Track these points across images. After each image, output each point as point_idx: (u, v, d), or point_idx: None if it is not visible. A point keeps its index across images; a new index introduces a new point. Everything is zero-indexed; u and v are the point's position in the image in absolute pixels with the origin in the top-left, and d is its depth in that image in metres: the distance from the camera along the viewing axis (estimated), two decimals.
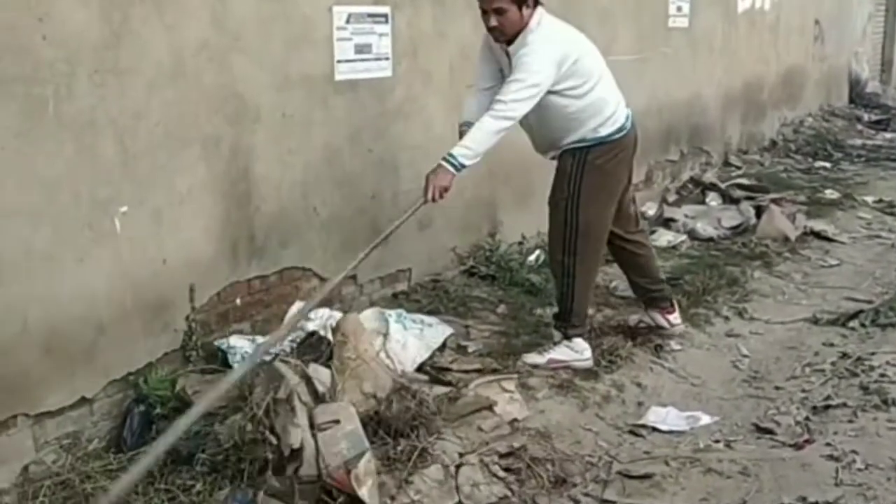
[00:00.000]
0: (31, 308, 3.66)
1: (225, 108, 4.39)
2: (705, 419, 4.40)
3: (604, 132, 4.61)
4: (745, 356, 5.17)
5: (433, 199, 4.30)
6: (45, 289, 3.71)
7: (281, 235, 4.78)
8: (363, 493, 3.30)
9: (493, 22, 4.36)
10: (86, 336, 3.89)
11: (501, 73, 4.56)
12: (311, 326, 4.47)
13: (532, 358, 4.81)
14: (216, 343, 4.47)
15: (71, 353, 3.84)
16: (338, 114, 5.03)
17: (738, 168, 10.04)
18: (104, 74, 3.83)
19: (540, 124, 4.60)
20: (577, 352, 4.82)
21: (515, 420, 4.10)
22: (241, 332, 4.59)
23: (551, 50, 4.34)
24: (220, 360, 4.39)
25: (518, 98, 4.29)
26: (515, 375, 4.42)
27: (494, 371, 4.53)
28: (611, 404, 4.52)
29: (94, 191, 3.85)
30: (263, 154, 4.61)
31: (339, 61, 4.98)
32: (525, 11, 4.33)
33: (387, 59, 5.30)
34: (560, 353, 4.81)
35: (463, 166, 4.29)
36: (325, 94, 4.94)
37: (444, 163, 4.28)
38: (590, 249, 4.73)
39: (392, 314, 4.76)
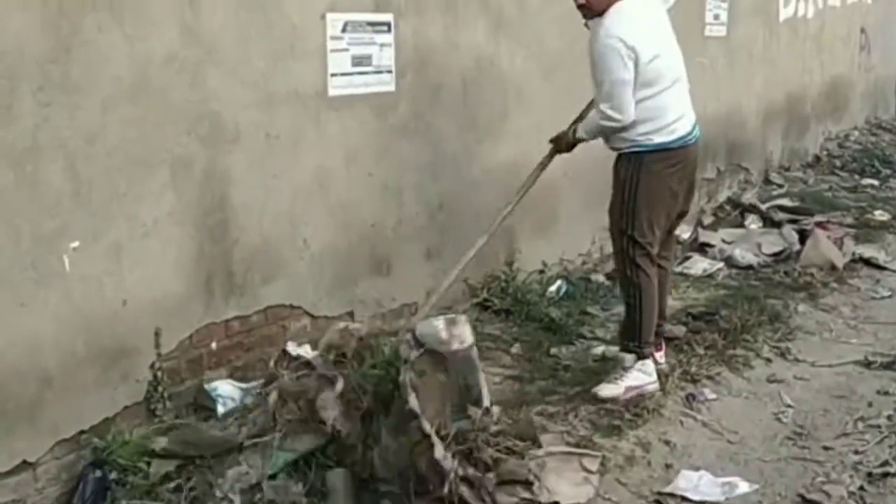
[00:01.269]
0: None
1: (197, 128, 3.89)
2: (743, 487, 3.82)
3: (658, 140, 4.42)
4: (789, 406, 4.58)
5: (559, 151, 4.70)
6: None
7: (264, 270, 4.27)
8: None
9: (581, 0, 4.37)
10: (27, 390, 3.41)
11: None
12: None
13: (608, 390, 4.48)
14: (204, 387, 3.98)
15: (8, 410, 3.35)
16: (332, 133, 4.52)
17: (780, 186, 9.41)
18: (50, 91, 3.36)
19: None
20: (648, 374, 4.55)
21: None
22: (218, 377, 4.08)
23: (619, 46, 4.24)
24: (190, 415, 3.90)
25: (612, 104, 4.33)
26: (600, 455, 3.85)
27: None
28: (635, 467, 3.96)
29: (37, 225, 3.37)
30: (243, 179, 4.11)
31: (333, 75, 4.47)
32: None
33: (389, 72, 4.78)
34: (634, 378, 4.52)
35: (581, 140, 4.62)
36: (316, 112, 4.42)
37: (570, 132, 4.62)
38: (648, 260, 4.52)
39: None
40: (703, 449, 4.14)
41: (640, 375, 4.50)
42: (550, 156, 4.71)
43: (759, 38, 9.09)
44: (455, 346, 3.50)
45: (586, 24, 4.47)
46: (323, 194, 4.51)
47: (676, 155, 4.45)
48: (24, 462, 3.42)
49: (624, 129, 4.37)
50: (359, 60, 4.59)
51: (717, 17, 8.10)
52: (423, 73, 4.99)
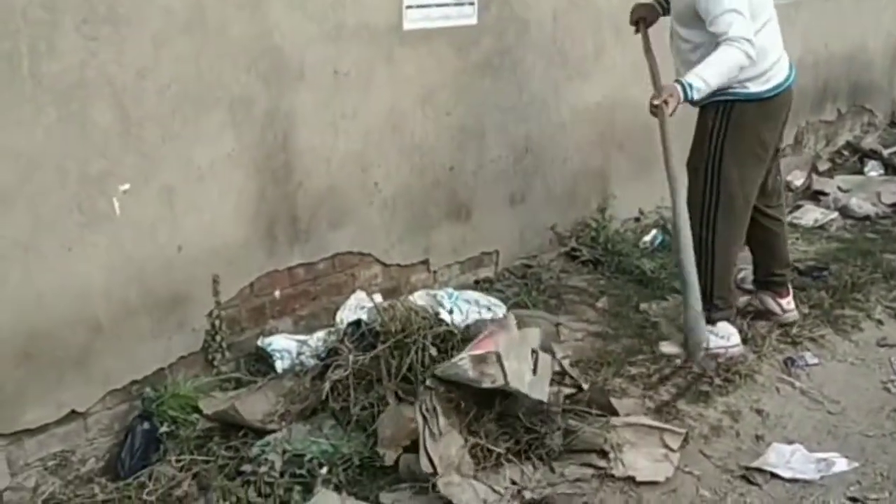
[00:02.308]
0: (1, 307, 3.05)
1: (258, 65, 3.66)
2: (841, 464, 3.47)
3: (754, 88, 4.01)
4: None
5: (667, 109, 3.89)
6: (20, 284, 3.10)
7: (332, 216, 4.05)
8: None
9: None
10: (76, 339, 3.28)
11: None
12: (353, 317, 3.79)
13: (670, 347, 4.23)
14: (258, 343, 3.81)
15: (56, 360, 3.24)
16: (407, 70, 4.23)
17: None
18: (96, 25, 3.16)
19: (690, 56, 4.02)
20: (723, 337, 4.21)
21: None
22: (279, 329, 3.90)
23: None
24: (251, 366, 3.74)
25: (741, 28, 3.76)
26: (684, 432, 3.51)
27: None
28: (722, 438, 3.63)
29: (84, 166, 3.20)
30: (309, 119, 3.87)
31: (408, 7, 4.17)
32: None
33: (471, 3, 4.45)
34: None
35: (692, 99, 3.89)
36: (389, 47, 4.14)
37: (678, 86, 3.86)
38: (731, 222, 4.17)
39: (444, 294, 4.13)
40: (799, 420, 3.78)
41: (711, 338, 4.15)
42: (662, 122, 4.00)
43: None
44: (486, 384, 3.21)
45: None
46: (396, 136, 4.25)
47: (771, 104, 4.05)
48: (74, 412, 3.31)
49: None
50: None
51: None
52: (508, 5, 4.64)
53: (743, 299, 4.64)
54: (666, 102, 3.85)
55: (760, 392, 3.95)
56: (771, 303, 4.50)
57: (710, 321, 4.21)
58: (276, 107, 3.75)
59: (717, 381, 3.94)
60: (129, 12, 3.23)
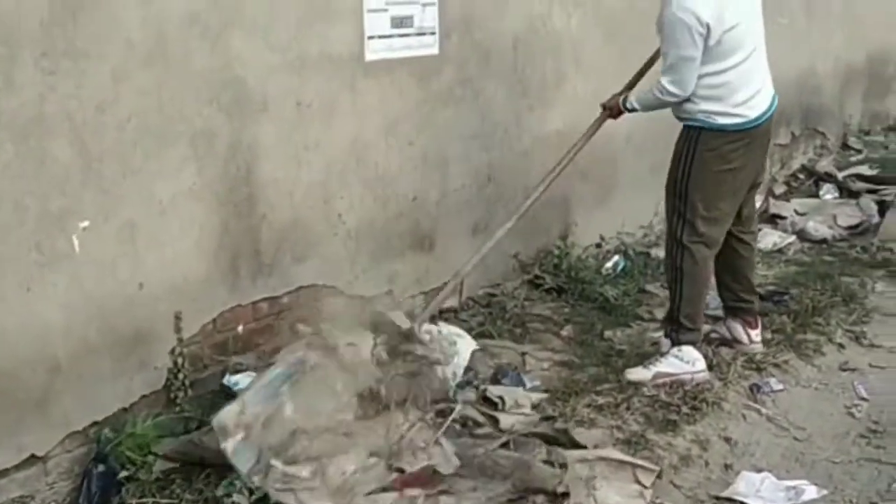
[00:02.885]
0: None
1: (221, 97, 3.61)
2: (810, 492, 3.47)
3: (721, 121, 4.07)
4: (863, 399, 4.19)
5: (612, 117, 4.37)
6: None
7: (295, 248, 4.01)
8: None
9: None
10: (35, 379, 3.20)
11: None
12: None
13: (636, 373, 4.21)
14: (223, 381, 3.74)
15: (15, 401, 3.14)
16: (369, 101, 4.21)
17: (859, 152, 8.87)
18: (55, 58, 3.10)
19: None
20: (688, 363, 4.20)
21: None
22: (243, 365, 3.83)
23: (690, 20, 3.87)
24: (215, 403, 3.66)
25: (674, 79, 4.00)
26: (658, 469, 3.47)
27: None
28: (691, 468, 3.62)
29: (43, 203, 3.13)
30: (272, 152, 3.83)
31: (370, 37, 4.16)
32: None
33: (432, 33, 4.45)
34: (668, 364, 4.20)
35: (629, 110, 4.29)
36: (352, 78, 4.11)
37: (620, 98, 4.28)
38: (701, 243, 4.19)
39: None
40: (766, 447, 3.79)
41: (676, 362, 4.18)
42: (600, 122, 4.37)
43: None
44: None
45: None
46: (359, 167, 4.22)
47: (741, 135, 4.08)
48: (33, 456, 3.22)
49: (686, 101, 4.04)
50: (399, 21, 4.27)
51: None
52: (469, 35, 4.65)
53: (706, 326, 4.64)
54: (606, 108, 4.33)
55: (727, 420, 3.95)
56: (740, 331, 4.51)
57: (676, 343, 4.23)
58: (239, 139, 3.70)
59: (685, 409, 3.94)
60: (88, 46, 3.17)
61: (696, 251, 4.17)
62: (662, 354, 4.26)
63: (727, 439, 3.81)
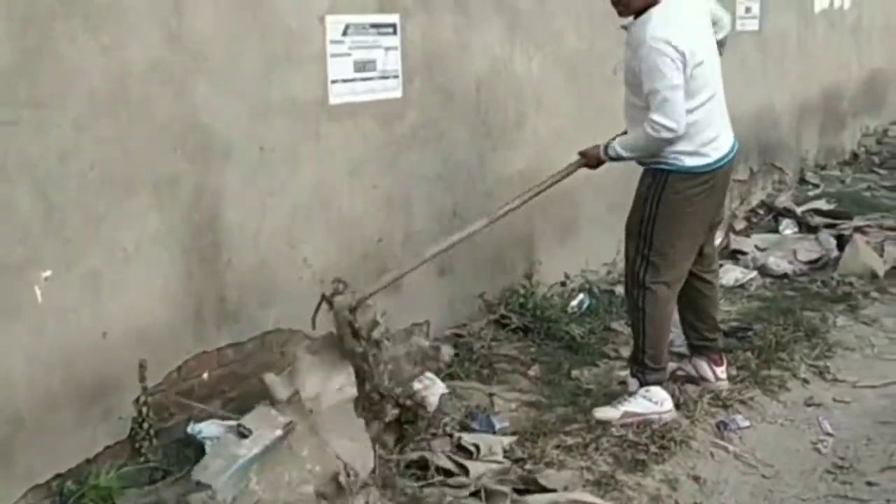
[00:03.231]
0: None
1: (184, 144, 3.60)
2: None
3: (688, 162, 4.08)
4: (829, 435, 4.22)
5: (586, 165, 4.29)
6: None
7: (261, 293, 3.98)
8: None
9: None
10: None
11: None
12: None
13: (604, 412, 4.21)
14: (188, 430, 3.68)
15: None
16: (333, 145, 4.21)
17: (816, 186, 9.01)
18: (16, 108, 3.07)
19: (633, 125, 4.16)
20: (656, 402, 4.21)
21: None
22: (208, 413, 3.78)
23: (668, 50, 3.88)
24: (181, 452, 3.61)
25: (668, 112, 3.90)
26: None
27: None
28: None
29: (3, 254, 3.09)
30: (236, 197, 3.82)
31: (333, 82, 4.16)
32: None
33: (395, 77, 4.46)
34: (636, 405, 4.21)
35: (612, 159, 4.19)
36: (316, 122, 4.12)
37: (601, 147, 4.18)
38: (664, 284, 4.22)
39: None
40: (735, 486, 3.81)
41: (644, 402, 4.19)
42: (575, 167, 4.32)
43: (794, 31, 8.71)
44: None
45: (624, 27, 4.12)
46: (324, 210, 4.21)
47: (706, 177, 4.11)
48: None
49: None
50: (362, 65, 4.28)
51: (748, 9, 7.73)
52: (432, 78, 4.67)
53: (672, 364, 4.67)
54: (585, 156, 4.25)
55: (696, 458, 3.96)
56: (706, 369, 4.53)
57: (644, 384, 4.24)
58: (203, 185, 3.68)
59: (653, 448, 3.94)
60: (50, 95, 3.15)
61: (659, 292, 4.19)
62: (631, 394, 4.26)
63: (696, 478, 3.82)
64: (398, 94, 4.49)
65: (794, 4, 8.65)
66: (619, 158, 4.14)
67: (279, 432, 3.30)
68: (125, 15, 3.35)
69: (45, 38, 3.13)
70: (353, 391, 3.71)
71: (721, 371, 4.55)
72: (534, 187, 4.33)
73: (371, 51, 4.32)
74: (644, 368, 4.25)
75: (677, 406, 4.29)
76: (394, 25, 4.41)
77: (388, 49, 4.39)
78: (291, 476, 3.28)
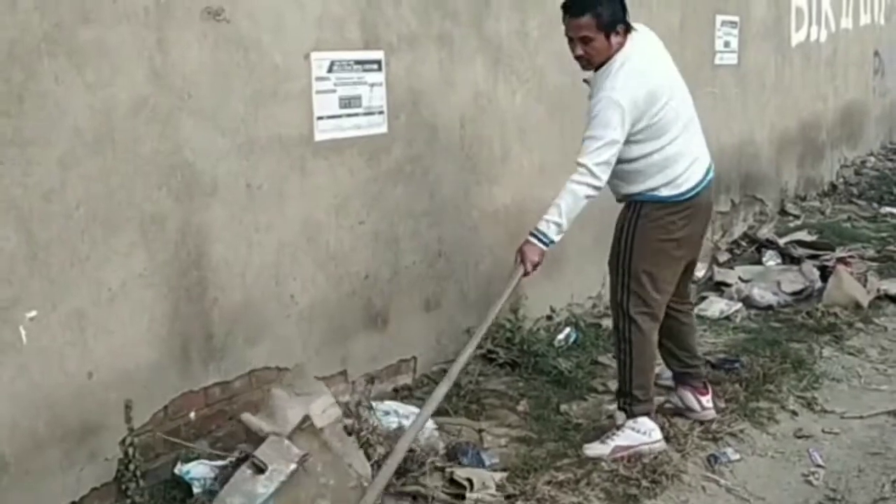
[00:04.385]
0: None
1: (170, 181, 3.58)
2: None
3: (665, 193, 4.10)
4: (820, 466, 4.20)
5: (526, 274, 4.03)
6: None
7: (247, 331, 3.95)
8: None
9: (579, 51, 3.99)
10: None
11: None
12: None
13: (595, 449, 4.19)
14: (175, 471, 3.63)
15: None
16: (319, 181, 4.20)
17: (797, 217, 9.06)
18: (1, 147, 3.05)
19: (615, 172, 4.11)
20: (644, 433, 4.20)
21: None
22: (195, 452, 3.73)
23: (628, 97, 3.88)
24: (168, 493, 3.56)
25: (598, 161, 3.88)
26: None
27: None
28: None
29: None
30: (223, 234, 3.79)
31: (319, 118, 4.16)
32: (614, 39, 3.94)
33: (380, 112, 4.46)
34: (625, 437, 4.20)
35: (553, 242, 3.99)
36: (302, 159, 4.11)
37: (533, 239, 3.98)
38: (646, 314, 4.20)
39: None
40: None
41: (633, 434, 4.18)
42: (515, 282, 4.03)
43: (772, 64, 8.77)
44: None
45: (586, 81, 4.13)
46: (311, 247, 4.19)
47: (683, 206, 4.11)
48: None
49: (631, 182, 4.09)
50: (347, 102, 4.28)
51: (727, 44, 7.78)
52: (417, 113, 4.68)
53: (660, 398, 4.66)
54: (525, 264, 3.98)
55: (688, 492, 3.93)
56: (691, 399, 4.52)
57: (631, 415, 4.23)
58: (189, 223, 3.66)
59: (645, 483, 3.91)
60: (35, 134, 3.13)
61: (643, 322, 4.19)
62: (619, 427, 4.24)
63: None
64: (384, 129, 4.48)
65: (772, 38, 8.73)
66: (560, 231, 3.95)
67: (294, 466, 3.29)
68: (109, 52, 3.33)
69: (30, 75, 3.11)
70: (337, 411, 3.69)
71: (706, 400, 4.54)
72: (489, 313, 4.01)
73: (356, 87, 4.32)
74: (632, 400, 4.24)
75: (667, 439, 4.27)
76: (378, 62, 4.41)
77: (373, 85, 4.40)
78: (308, 493, 3.29)
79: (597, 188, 3.92)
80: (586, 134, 3.93)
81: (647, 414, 4.24)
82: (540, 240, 3.95)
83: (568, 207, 3.91)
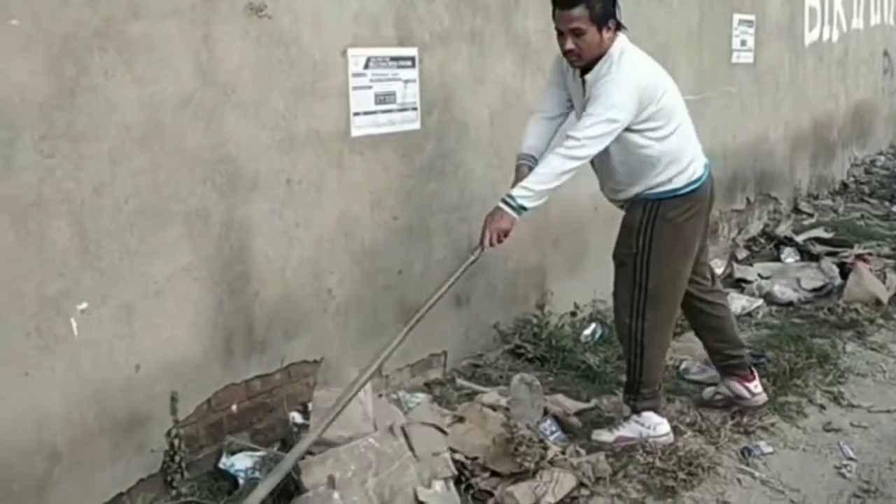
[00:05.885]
0: None
1: (214, 176, 3.61)
2: None
3: (679, 183, 4.06)
4: (852, 459, 4.23)
5: (490, 244, 3.82)
6: None
7: (287, 325, 3.98)
8: None
9: (570, 45, 3.81)
10: (34, 468, 3.12)
11: (570, 104, 4.14)
12: None
13: (602, 435, 4.30)
14: (219, 465, 3.68)
15: (14, 492, 3.06)
16: (356, 176, 4.23)
17: (810, 216, 9.11)
18: (54, 141, 3.07)
19: (613, 164, 4.04)
20: (648, 427, 4.26)
21: None
22: (238, 445, 3.77)
23: (634, 82, 3.80)
24: (212, 485, 3.60)
25: (592, 135, 3.73)
26: None
27: None
28: None
29: (42, 286, 3.08)
30: (264, 228, 3.82)
31: (356, 114, 4.19)
32: (605, 34, 3.81)
33: (414, 109, 4.50)
34: (629, 429, 4.28)
35: (524, 209, 3.79)
36: (339, 154, 4.14)
37: (502, 205, 3.80)
38: (662, 313, 4.20)
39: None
40: None
41: (636, 427, 4.24)
42: (475, 258, 3.89)
43: (786, 63, 8.82)
44: None
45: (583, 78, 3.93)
46: (348, 241, 4.22)
47: (694, 197, 4.08)
48: None
49: (644, 175, 3.99)
50: (382, 98, 4.31)
51: (744, 42, 7.82)
52: (448, 110, 4.71)
53: (709, 390, 4.73)
54: (495, 230, 3.82)
55: (724, 484, 3.96)
56: (739, 388, 4.55)
57: (636, 411, 4.28)
58: (232, 217, 3.69)
59: (681, 475, 3.94)
60: (86, 128, 3.16)
61: (658, 322, 4.19)
62: (625, 419, 4.32)
63: (725, 503, 3.83)
64: (417, 125, 4.52)
65: (786, 37, 8.77)
66: (533, 201, 3.79)
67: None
68: (157, 47, 3.36)
69: (81, 70, 3.14)
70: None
71: (754, 386, 4.58)
72: (439, 287, 3.82)
73: (391, 83, 4.35)
74: (637, 397, 4.27)
75: (700, 432, 4.32)
76: (412, 58, 4.45)
77: (406, 82, 4.43)
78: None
79: (580, 160, 3.74)
80: (590, 109, 3.78)
81: (652, 409, 4.28)
82: (510, 205, 3.77)
83: (545, 176, 3.75)
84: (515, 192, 3.79)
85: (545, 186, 3.77)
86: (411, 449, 3.52)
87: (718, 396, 4.65)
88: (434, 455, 3.56)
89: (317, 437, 3.27)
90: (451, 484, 3.54)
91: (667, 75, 4.06)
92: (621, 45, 3.86)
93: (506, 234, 3.83)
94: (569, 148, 3.74)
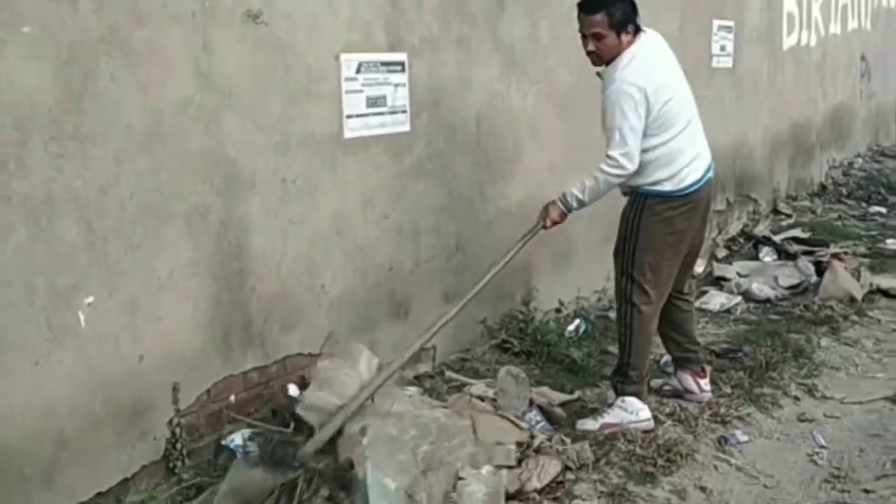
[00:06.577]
0: None
1: (213, 176, 3.77)
2: None
3: (667, 187, 4.33)
4: (823, 447, 4.42)
5: (545, 227, 4.47)
6: None
7: (283, 319, 4.14)
8: None
9: (591, 46, 4.25)
10: (44, 453, 3.26)
11: None
12: None
13: (586, 424, 4.47)
14: (223, 442, 3.84)
15: (24, 476, 3.20)
16: (348, 177, 4.40)
17: (789, 216, 9.32)
18: (63, 142, 3.23)
19: None
20: (631, 412, 4.45)
21: None
22: (237, 428, 3.93)
23: (637, 88, 4.14)
24: (211, 471, 3.75)
25: (624, 151, 4.17)
26: None
27: None
28: None
29: (52, 280, 3.24)
30: (260, 226, 3.99)
31: (348, 116, 4.36)
32: (624, 38, 4.20)
33: (404, 111, 4.67)
34: (613, 416, 4.47)
35: (571, 210, 4.42)
36: (332, 155, 4.31)
37: (558, 201, 4.41)
38: (648, 302, 4.44)
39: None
40: (739, 495, 3.98)
41: (620, 413, 4.44)
42: (534, 232, 4.49)
43: (765, 67, 9.03)
44: None
45: (599, 74, 4.35)
46: (341, 239, 4.39)
47: (684, 199, 4.34)
48: None
49: (636, 174, 4.27)
50: (374, 101, 4.48)
51: (723, 47, 8.02)
52: (437, 112, 4.89)
53: (658, 381, 4.95)
54: (549, 219, 4.43)
55: (701, 470, 4.14)
56: (690, 382, 4.78)
57: (622, 393, 4.48)
58: (230, 216, 3.85)
59: (661, 461, 4.12)
60: (93, 130, 3.31)
61: (643, 308, 4.42)
62: (609, 405, 4.51)
63: (703, 489, 4.00)
64: (407, 127, 4.69)
65: (764, 42, 8.98)
66: (580, 205, 4.36)
67: None
68: (160, 53, 3.52)
69: (88, 75, 3.29)
70: (376, 359, 4.11)
71: (704, 383, 4.80)
72: (494, 264, 4.48)
73: (382, 87, 4.52)
74: (625, 380, 4.48)
75: (679, 422, 4.50)
76: (402, 63, 4.62)
77: (397, 86, 4.60)
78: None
79: (623, 174, 4.20)
80: (606, 125, 4.21)
81: (637, 394, 4.48)
82: (565, 204, 4.36)
83: (591, 189, 4.27)
84: (569, 196, 4.35)
85: (592, 197, 4.32)
86: (475, 432, 3.70)
87: (667, 387, 4.88)
88: (497, 444, 3.75)
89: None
90: (504, 472, 3.67)
91: (676, 79, 4.34)
92: (633, 50, 4.19)
93: (557, 223, 4.45)
94: (610, 167, 4.19)
